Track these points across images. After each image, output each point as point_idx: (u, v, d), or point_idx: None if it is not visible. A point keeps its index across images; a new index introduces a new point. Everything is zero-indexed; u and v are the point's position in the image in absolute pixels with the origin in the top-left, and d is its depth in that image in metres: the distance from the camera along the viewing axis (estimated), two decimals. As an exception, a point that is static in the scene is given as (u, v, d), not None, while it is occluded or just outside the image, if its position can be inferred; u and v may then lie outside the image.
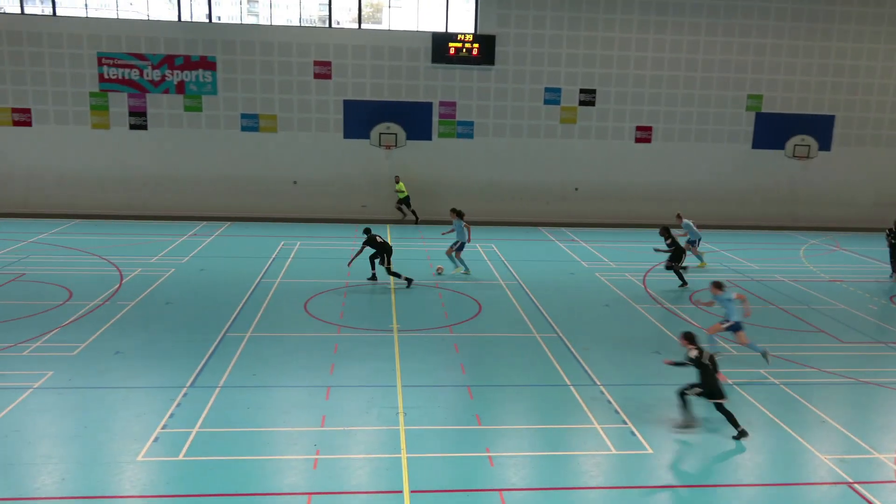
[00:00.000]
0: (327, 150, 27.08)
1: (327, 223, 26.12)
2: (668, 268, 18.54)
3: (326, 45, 26.42)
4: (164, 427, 9.85)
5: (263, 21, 27.04)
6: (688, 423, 10.36)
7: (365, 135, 26.91)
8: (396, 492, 8.52)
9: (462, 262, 19.19)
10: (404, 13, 27.37)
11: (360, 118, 26.87)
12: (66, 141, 26.06)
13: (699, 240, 20.59)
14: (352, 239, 23.24)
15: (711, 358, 10.23)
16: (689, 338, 10.33)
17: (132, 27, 25.84)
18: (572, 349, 13.56)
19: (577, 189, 28.21)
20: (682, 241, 19.29)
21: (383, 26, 27.57)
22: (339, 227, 25.52)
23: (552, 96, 27.51)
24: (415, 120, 27.06)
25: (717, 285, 13.18)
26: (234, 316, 14.92)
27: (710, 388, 10.08)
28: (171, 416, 10.20)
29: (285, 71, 26.41)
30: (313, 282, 17.83)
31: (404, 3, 27.45)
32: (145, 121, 26.21)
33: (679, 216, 21.00)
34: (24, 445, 9.41)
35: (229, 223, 25.03)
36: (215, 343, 13.26)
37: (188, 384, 11.33)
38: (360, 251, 17.75)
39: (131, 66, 25.77)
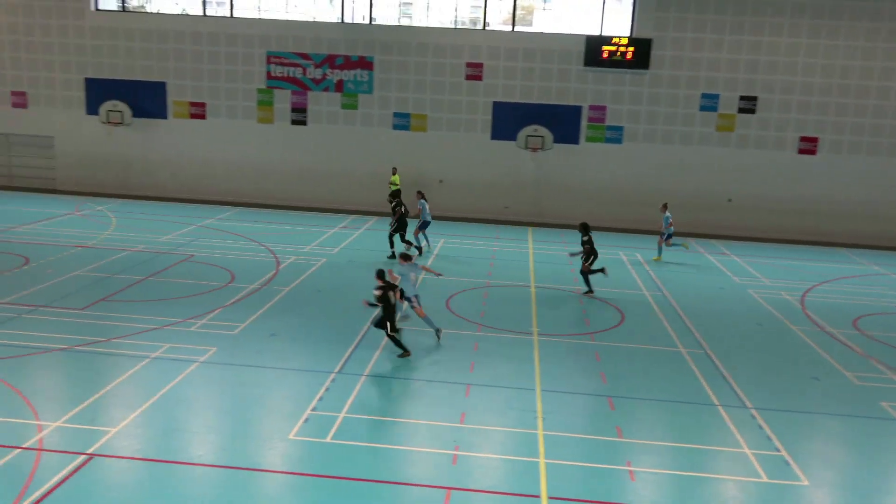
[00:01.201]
0: (474, 151, 27.39)
1: (470, 222, 26.42)
2: (582, 272, 17.40)
3: (479, 47, 26.73)
4: (313, 409, 10.36)
5: (417, 23, 27.78)
6: (404, 355, 12.35)
7: (512, 137, 26.97)
8: (534, 496, 8.50)
9: (420, 239, 21.06)
10: (555, 16, 27.18)
11: (508, 120, 26.97)
12: (234, 134, 27.96)
13: (670, 235, 21.40)
14: (493, 239, 23.40)
15: (399, 294, 12.72)
16: (379, 275, 12.47)
17: (299, 28, 27.33)
18: (721, 367, 12.95)
19: (730, 200, 26.88)
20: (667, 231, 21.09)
21: (534, 29, 27.52)
22: (482, 226, 25.75)
23: (709, 103, 26.37)
24: (563, 123, 26.82)
25: (404, 257, 14.29)
26: (379, 308, 15.40)
27: (384, 318, 12.25)
28: (321, 399, 10.71)
29: (438, 72, 26.97)
30: (455, 280, 18.10)
31: (556, 6, 27.26)
32: (305, 117, 27.65)
33: (664, 207, 21.70)
34: (189, 414, 10.21)
35: (376, 218, 25.89)
36: (361, 333, 13.76)
37: (336, 370, 11.85)
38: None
39: (296, 65, 27.26)
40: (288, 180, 28.03)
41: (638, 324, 15.42)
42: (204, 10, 28.00)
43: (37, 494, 7.91)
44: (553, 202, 27.14)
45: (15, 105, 28.41)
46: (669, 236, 21.44)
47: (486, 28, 27.15)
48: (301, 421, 9.97)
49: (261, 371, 11.72)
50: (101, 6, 27.86)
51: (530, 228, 25.76)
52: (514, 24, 27.13)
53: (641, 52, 25.97)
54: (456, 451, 9.45)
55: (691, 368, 12.89)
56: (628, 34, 26.27)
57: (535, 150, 26.78)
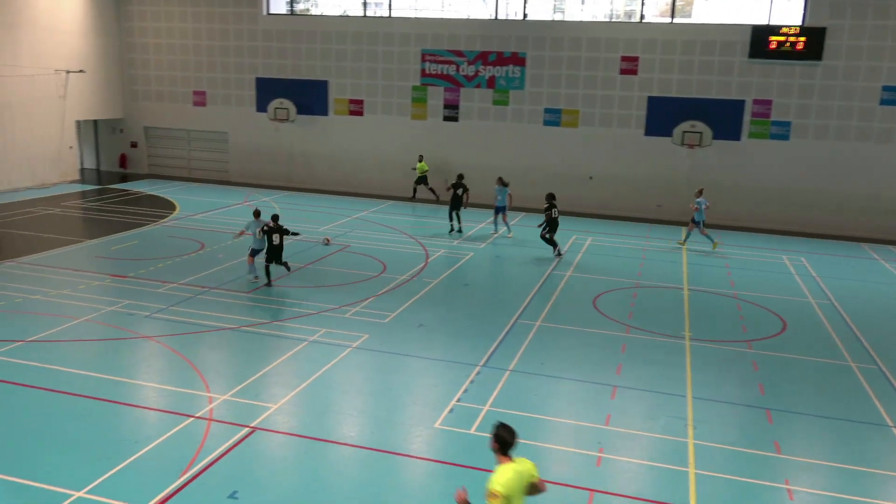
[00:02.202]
0: (626, 147, 26.69)
1: (620, 220, 25.79)
2: (542, 237, 19.82)
3: (635, 40, 25.98)
4: (458, 400, 10.55)
5: (569, 17, 27.42)
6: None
7: (667, 132, 26.01)
8: (681, 506, 8.19)
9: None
10: (717, 6, 25.85)
11: (664, 115, 26.03)
12: (388, 130, 28.94)
13: (702, 222, 21.15)
14: (644, 238, 22.71)
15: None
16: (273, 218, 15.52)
17: (454, 26, 27.81)
18: (897, 386, 11.85)
19: (913, 203, 24.47)
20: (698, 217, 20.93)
21: (694, 20, 26.35)
22: (632, 224, 25.07)
23: (891, 96, 24.11)
24: (723, 119, 25.51)
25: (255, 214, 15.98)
26: (525, 304, 15.43)
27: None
28: (466, 391, 10.88)
29: (591, 66, 26.51)
30: (603, 278, 17.75)
31: (723, -5, 25.96)
32: (457, 113, 28.11)
33: (700, 192, 21.44)
34: (341, 396, 10.71)
35: (524, 214, 25.87)
36: (507, 328, 13.83)
37: (481, 363, 11.99)
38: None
39: (450, 62, 27.76)
40: (438, 175, 28.61)
41: (801, 333, 14.42)
42: (364, 10, 29.16)
43: (206, 460, 8.61)
44: (710, 201, 25.84)
45: (196, 104, 30.99)
46: (702, 223, 21.20)
47: (643, 21, 26.34)
48: (446, 411, 10.18)
49: (409, 360, 12.08)
50: (272, 10, 29.73)
51: (684, 229, 24.74)
52: (672, 16, 26.13)
53: (814, 41, 24.17)
54: (601, 453, 9.28)
55: (862, 385, 11.88)
56: (799, 23, 24.54)
57: (691, 146, 25.69)
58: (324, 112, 29.51)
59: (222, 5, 29.81)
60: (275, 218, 15.89)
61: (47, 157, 28.01)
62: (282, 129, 29.92)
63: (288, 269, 16.22)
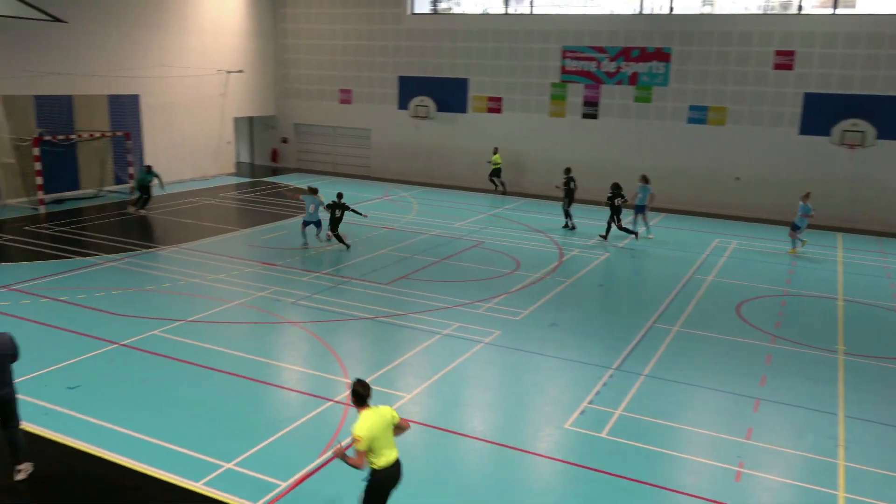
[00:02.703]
0: (777, 147, 25.18)
1: (768, 224, 24.38)
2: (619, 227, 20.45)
3: (792, 33, 24.43)
4: (590, 402, 10.41)
5: (719, 10, 26.18)
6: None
7: (824, 131, 24.28)
8: (829, 531, 7.68)
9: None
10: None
11: (822, 113, 24.31)
12: (526, 127, 28.89)
13: (801, 229, 19.95)
14: (796, 243, 21.36)
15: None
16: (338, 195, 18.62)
17: (595, 22, 27.32)
18: None
19: None
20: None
21: (859, 10, 24.40)
22: (781, 228, 23.61)
23: None
24: (889, 117, 23.49)
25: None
26: (662, 307, 14.96)
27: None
28: (598, 393, 10.72)
29: (742, 61, 25.21)
30: (748, 285, 16.87)
31: (895, -18, 23.84)
32: (597, 110, 27.62)
33: (806, 196, 19.99)
34: (472, 390, 10.85)
35: (664, 214, 25.04)
36: (643, 331, 13.47)
37: (615, 366, 11.76)
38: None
39: (590, 59, 27.32)
40: (574, 173, 28.21)
41: (976, 354, 13.05)
42: (505, 8, 29.24)
43: (344, 443, 8.98)
44: (872, 206, 23.96)
45: (342, 101, 32.33)
46: (801, 230, 20.03)
47: (801, 12, 24.71)
48: (577, 412, 10.07)
49: (540, 358, 12.04)
50: (416, 10, 30.46)
51: (840, 234, 23.06)
52: (835, 6, 24.34)
53: None
54: (740, 467, 8.86)
55: None
56: None
57: (852, 146, 23.85)
58: (462, 109, 29.89)
59: (369, 6, 30.88)
60: (339, 196, 18.87)
61: (208, 152, 30.21)
62: (422, 126, 30.61)
63: (344, 243, 18.77)
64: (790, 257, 19.74)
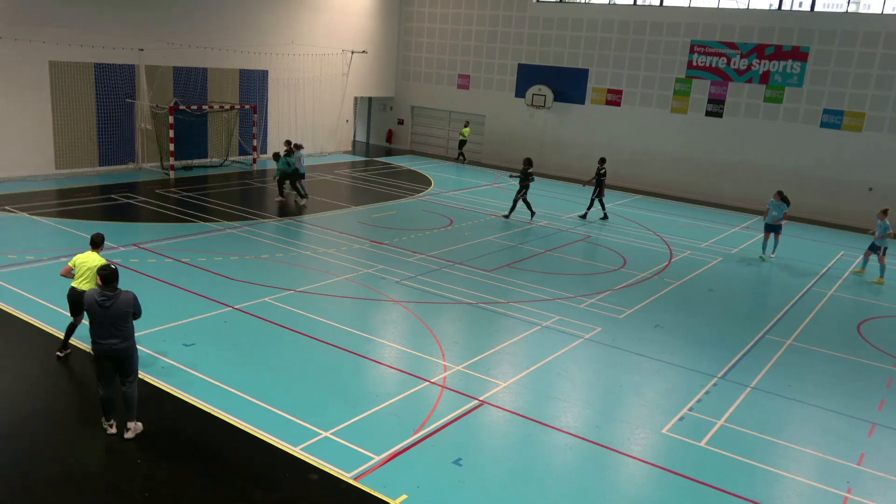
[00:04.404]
0: (921, 158, 23.38)
1: (902, 241, 22.72)
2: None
3: (949, 35, 22.53)
4: (690, 409, 10.08)
5: (866, 10, 24.43)
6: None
7: (977, 145, 22.36)
8: (944, 574, 7.12)
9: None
10: None
11: (976, 124, 22.37)
12: (646, 122, 28.10)
13: (882, 249, 17.42)
14: (932, 264, 19.81)
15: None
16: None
17: (729, 16, 26.16)
18: None
19: None
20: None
21: None
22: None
23: None
24: None
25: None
26: (776, 318, 14.26)
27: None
28: (699, 400, 10.36)
29: (888, 65, 23.49)
30: (872, 302, 15.82)
31: None
32: (722, 108, 26.50)
33: (884, 213, 17.48)
34: (568, 385, 10.73)
35: (785, 221, 23.78)
36: (752, 342, 12.90)
37: (720, 375, 11.32)
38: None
39: (720, 55, 26.21)
40: (693, 172, 27.30)
41: None
42: (635, 0, 28.45)
43: (436, 425, 9.12)
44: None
45: (460, 87, 32.51)
46: (882, 251, 17.46)
47: (963, 13, 22.73)
48: (676, 418, 9.78)
49: (641, 359, 11.76)
50: (540, -3, 30.14)
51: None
52: None
53: None
54: (848, 493, 8.36)
55: None
56: None
57: None
58: (581, 101, 29.42)
59: (494, -8, 30.80)
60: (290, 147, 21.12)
61: (327, 129, 31.16)
62: (537, 115, 30.35)
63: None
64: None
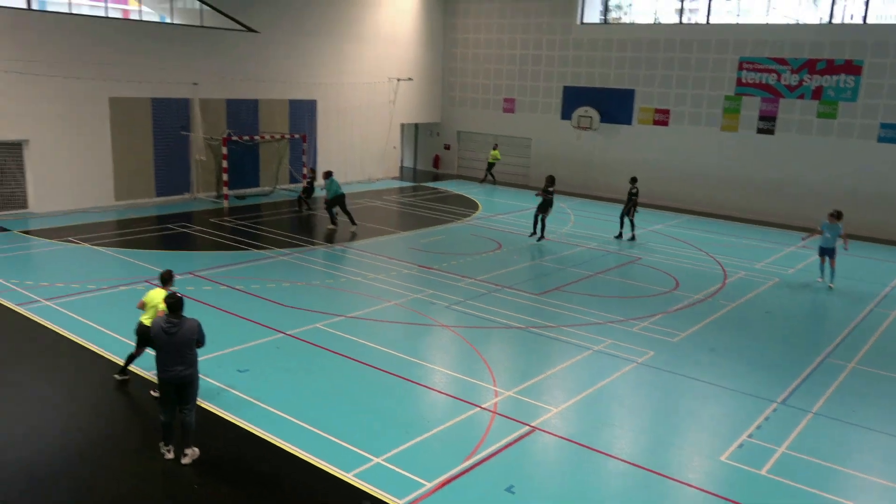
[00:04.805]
0: None
1: (970, 258, 21.84)
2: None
3: None
4: (749, 436, 9.80)
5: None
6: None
7: None
8: None
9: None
10: None
11: None
12: (695, 141, 27.73)
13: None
14: None
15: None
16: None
17: (779, 32, 25.75)
18: None
19: None
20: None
21: None
22: None
23: None
24: None
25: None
26: (837, 341, 13.82)
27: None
28: (759, 427, 10.07)
29: (948, 76, 22.79)
30: (941, 324, 15.19)
31: None
32: (773, 125, 26.00)
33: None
34: (621, 410, 10.55)
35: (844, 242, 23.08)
36: (813, 365, 12.50)
37: (779, 399, 11.00)
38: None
39: (770, 71, 25.78)
40: (745, 191, 26.78)
41: None
42: (679, 18, 28.27)
43: (488, 451, 9.06)
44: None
45: (505, 110, 32.65)
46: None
47: None
48: (734, 445, 9.52)
49: (696, 384, 11.51)
50: (586, 20, 30.16)
51: None
52: None
53: None
54: (920, 525, 8.00)
55: None
56: None
57: None
58: (627, 121, 29.22)
59: (538, 16, 30.96)
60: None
61: (375, 156, 31.57)
62: (583, 136, 30.24)
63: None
64: None
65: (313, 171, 25.15)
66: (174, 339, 8.15)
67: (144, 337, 9.86)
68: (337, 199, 21.14)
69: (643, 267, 18.76)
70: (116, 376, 10.47)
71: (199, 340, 8.44)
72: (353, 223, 21.28)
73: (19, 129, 20.61)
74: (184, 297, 8.55)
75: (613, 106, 29.44)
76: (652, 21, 29.26)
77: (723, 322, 14.67)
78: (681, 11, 28.37)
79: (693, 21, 28.18)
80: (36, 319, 12.80)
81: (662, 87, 28.26)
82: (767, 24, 26.31)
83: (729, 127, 26.92)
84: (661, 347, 12.96)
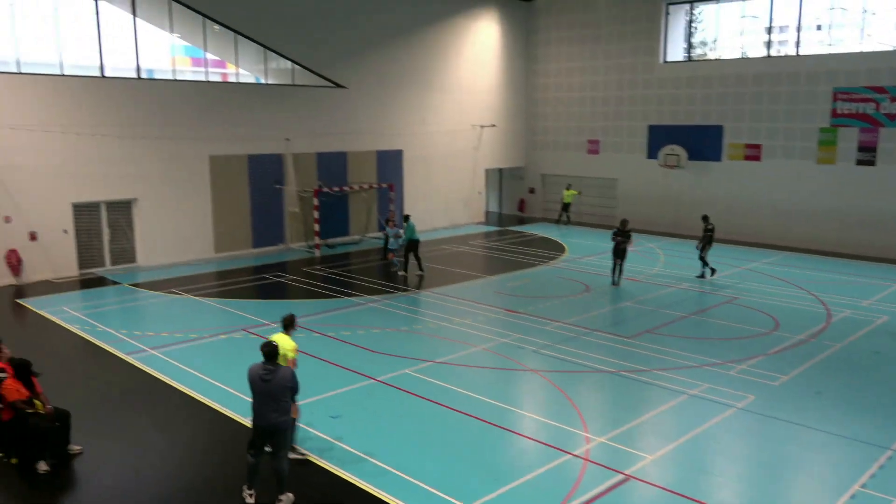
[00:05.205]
0: None
1: None
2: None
3: None
4: (863, 486, 9.19)
5: None
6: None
7: None
8: None
9: None
10: None
11: None
12: (789, 175, 26.78)
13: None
14: None
15: None
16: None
17: (873, 59, 24.77)
18: None
19: None
20: None
21: None
22: None
23: None
24: None
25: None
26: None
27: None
28: (873, 476, 9.43)
29: None
30: None
31: None
32: (874, 156, 24.83)
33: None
34: (721, 458, 10.11)
35: (961, 275, 21.65)
36: (931, 409, 11.67)
37: (894, 446, 10.29)
38: None
39: (867, 100, 24.74)
40: (845, 225, 25.56)
41: None
42: (768, 51, 27.64)
43: (581, 500, 8.84)
44: None
45: (590, 152, 32.55)
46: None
47: None
48: (846, 496, 8.94)
49: (801, 430, 10.92)
50: (668, 59, 29.91)
51: None
52: None
53: None
54: None
55: None
56: None
57: None
58: (716, 158, 28.56)
59: (620, 57, 30.93)
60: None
61: (460, 202, 31.98)
62: (671, 175, 29.72)
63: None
64: None
65: (395, 214, 25.58)
66: (269, 387, 8.40)
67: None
68: (412, 244, 21.49)
69: (739, 307, 18.09)
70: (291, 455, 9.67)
71: (294, 388, 8.66)
72: (421, 269, 21.65)
73: (130, 188, 22.05)
74: (279, 345, 8.83)
75: (701, 143, 28.86)
76: (738, 56, 28.69)
77: (828, 364, 13.92)
78: (769, 44, 27.72)
79: (782, 53, 27.47)
80: (142, 368, 13.48)
81: (752, 121, 27.54)
82: (862, 52, 25.36)
83: (825, 160, 25.89)
84: (762, 391, 12.40)
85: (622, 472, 9.51)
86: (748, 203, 27.73)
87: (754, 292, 19.63)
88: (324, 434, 10.63)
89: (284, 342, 9.45)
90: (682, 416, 11.43)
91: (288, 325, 9.81)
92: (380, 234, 28.00)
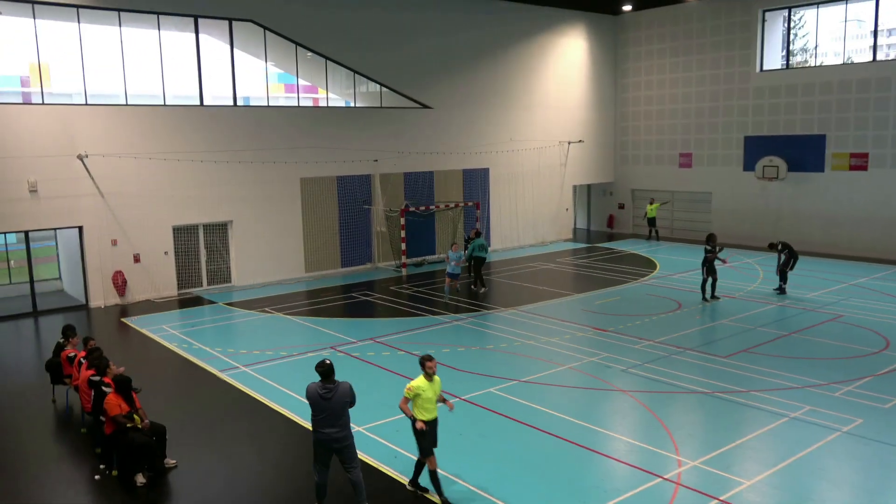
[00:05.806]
0: None
1: None
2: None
3: None
4: None
5: None
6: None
7: None
8: None
9: None
10: None
11: None
12: (901, 185, 25.17)
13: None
14: None
15: None
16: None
17: None
18: None
19: None
20: None
21: None
22: None
23: None
24: None
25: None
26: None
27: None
28: None
29: None
30: None
31: None
32: None
33: None
34: (825, 485, 9.46)
35: None
36: None
37: None
38: None
39: None
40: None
41: None
42: (874, 55, 26.17)
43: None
44: None
45: (682, 165, 31.62)
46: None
47: None
48: (969, 530, 8.18)
49: (917, 457, 10.10)
50: (766, 67, 28.77)
51: None
52: None
53: None
54: None
55: None
56: None
57: None
58: (819, 168, 27.17)
59: (713, 68, 30.00)
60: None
61: (547, 218, 31.65)
62: (769, 187, 28.47)
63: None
64: None
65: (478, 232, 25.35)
66: (329, 404, 8.49)
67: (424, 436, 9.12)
68: (478, 261, 21.55)
69: (845, 325, 17.02)
70: (409, 487, 9.59)
71: (351, 401, 8.71)
72: (483, 286, 21.75)
73: (226, 211, 22.97)
74: (333, 364, 8.74)
75: (802, 153, 27.53)
76: (842, 62, 27.29)
77: (948, 386, 12.86)
78: (874, 48, 26.25)
79: (891, 57, 25.91)
80: (235, 384, 13.90)
81: (858, 129, 26.07)
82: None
83: (942, 167, 24.17)
84: (870, 414, 11.56)
85: (716, 498, 9.04)
86: (853, 215, 26.19)
87: (862, 309, 18.44)
88: (408, 451, 10.59)
89: (431, 389, 9.21)
90: (781, 439, 10.79)
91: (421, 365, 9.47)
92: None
